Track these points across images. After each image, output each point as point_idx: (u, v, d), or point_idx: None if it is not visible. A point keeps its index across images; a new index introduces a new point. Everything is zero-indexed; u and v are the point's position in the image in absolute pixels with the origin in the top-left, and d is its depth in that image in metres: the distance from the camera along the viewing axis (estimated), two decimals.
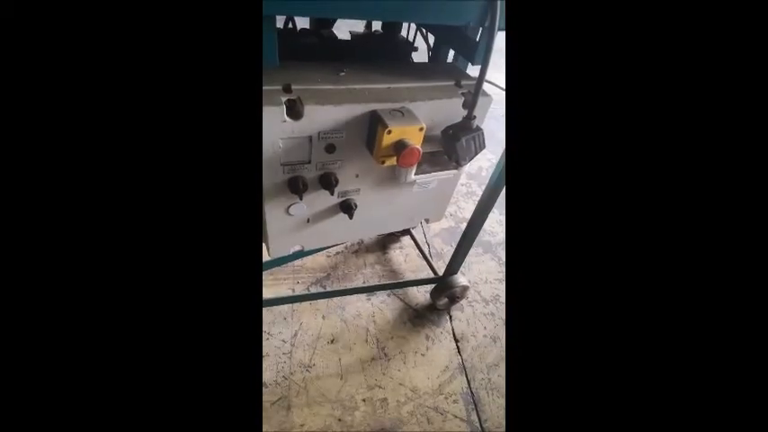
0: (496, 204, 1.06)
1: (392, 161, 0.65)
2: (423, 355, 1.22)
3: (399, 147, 0.63)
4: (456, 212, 1.80)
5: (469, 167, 2.13)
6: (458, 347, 1.26)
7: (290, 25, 0.84)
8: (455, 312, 1.36)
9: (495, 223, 1.78)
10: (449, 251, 1.53)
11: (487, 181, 1.01)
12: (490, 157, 2.20)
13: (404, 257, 1.52)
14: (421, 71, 0.75)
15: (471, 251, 1.58)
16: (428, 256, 1.42)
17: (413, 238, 1.52)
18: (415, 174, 0.73)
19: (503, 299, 1.44)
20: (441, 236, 1.66)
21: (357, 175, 0.74)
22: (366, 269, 1.46)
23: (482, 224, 1.12)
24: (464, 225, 1.16)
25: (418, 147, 0.64)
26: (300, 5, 0.50)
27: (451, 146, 0.66)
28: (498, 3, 0.54)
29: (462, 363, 1.22)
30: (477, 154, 0.68)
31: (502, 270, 1.55)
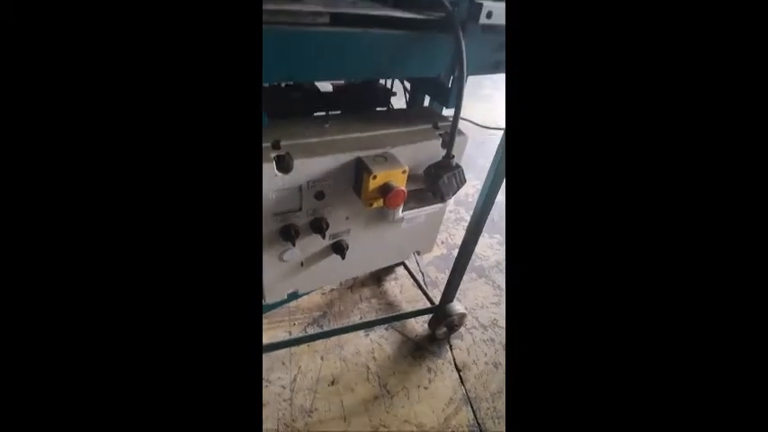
0: (486, 228, 1.10)
1: (379, 203, 0.69)
2: (426, 388, 1.21)
3: (385, 190, 0.66)
4: (447, 239, 1.83)
5: (456, 195, 2.18)
6: (460, 377, 1.25)
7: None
8: (455, 341, 1.36)
9: (486, 247, 1.81)
10: (443, 278, 1.55)
11: (474, 206, 1.05)
12: (475, 182, 2.27)
13: (399, 288, 1.53)
14: (400, 117, 0.80)
15: (465, 277, 1.60)
16: (423, 285, 1.44)
17: (407, 268, 1.54)
18: (403, 211, 0.76)
19: (501, 323, 1.45)
20: (434, 264, 1.68)
21: (347, 218, 0.77)
22: (362, 304, 1.46)
23: (473, 250, 1.15)
24: (456, 252, 1.19)
25: (403, 188, 0.67)
26: (295, 72, 0.54)
27: (435, 184, 0.70)
28: (464, 55, 0.60)
29: (466, 393, 1.21)
30: (459, 189, 0.72)
31: (497, 294, 1.57)
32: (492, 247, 1.82)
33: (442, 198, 0.72)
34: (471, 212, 1.08)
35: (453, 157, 0.69)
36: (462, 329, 1.40)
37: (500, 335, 1.40)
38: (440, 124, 0.78)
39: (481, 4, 0.59)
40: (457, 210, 2.04)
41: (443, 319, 1.28)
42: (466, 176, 0.72)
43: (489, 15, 0.60)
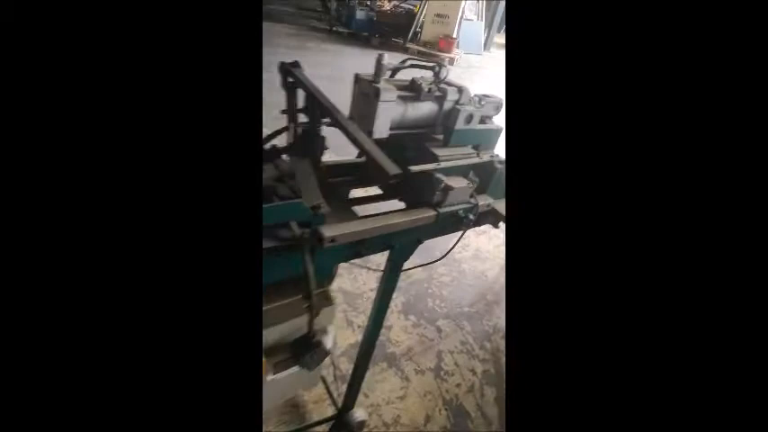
0: (405, 308, 1.14)
1: None
2: None
3: None
4: (364, 323, 1.89)
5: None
6: None
7: None
8: None
9: (401, 331, 1.90)
10: None
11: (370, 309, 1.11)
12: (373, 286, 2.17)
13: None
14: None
15: (375, 368, 1.67)
16: (329, 384, 1.47)
17: None
18: (275, 374, 0.81)
19: (404, 420, 1.51)
20: (348, 354, 1.72)
21: None
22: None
23: (372, 351, 1.21)
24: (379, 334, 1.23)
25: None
26: None
27: (300, 359, 0.76)
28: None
29: None
30: (322, 361, 0.79)
31: (404, 386, 1.64)
32: (407, 331, 1.91)
33: (308, 368, 0.79)
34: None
35: (314, 335, 0.76)
36: (365, 430, 1.44)
37: None
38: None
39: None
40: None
41: (342, 430, 1.32)
42: None
43: None
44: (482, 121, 1.01)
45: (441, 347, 1.84)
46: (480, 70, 7.64)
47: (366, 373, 1.28)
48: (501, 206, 1.00)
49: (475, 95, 0.98)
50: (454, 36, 7.48)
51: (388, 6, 8.24)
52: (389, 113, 0.78)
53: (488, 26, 9.16)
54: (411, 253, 0.94)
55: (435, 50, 7.35)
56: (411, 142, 0.90)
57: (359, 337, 1.80)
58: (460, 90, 0.87)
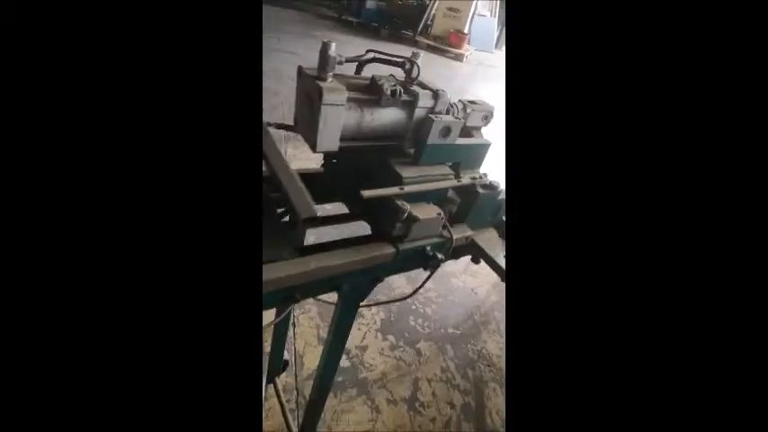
0: (382, 328, 0.99)
1: None
2: None
3: None
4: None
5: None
6: None
7: None
8: None
9: (377, 353, 1.73)
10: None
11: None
12: None
13: (265, 413, 1.39)
14: None
15: (343, 395, 1.51)
16: (288, 413, 1.31)
17: (276, 388, 1.41)
18: None
19: None
20: (313, 377, 1.56)
21: None
22: None
23: (325, 395, 1.05)
24: (351, 356, 1.07)
25: None
26: None
27: None
28: None
29: None
30: None
31: (372, 418, 1.48)
32: (383, 353, 1.74)
33: None
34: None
35: None
36: None
37: None
38: None
39: None
40: None
41: None
42: None
43: None
44: (467, 133, 0.83)
45: (418, 374, 1.68)
46: (490, 69, 7.37)
47: (322, 410, 1.12)
48: (483, 238, 0.82)
49: (459, 101, 0.80)
50: (465, 32, 7.22)
51: None
52: (337, 120, 0.60)
53: (501, 24, 8.86)
54: (368, 292, 0.76)
55: (446, 45, 7.11)
56: (379, 156, 0.72)
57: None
58: (436, 95, 0.69)
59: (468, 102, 0.82)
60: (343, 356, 1.64)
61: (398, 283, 1.99)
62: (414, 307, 1.97)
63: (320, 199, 0.83)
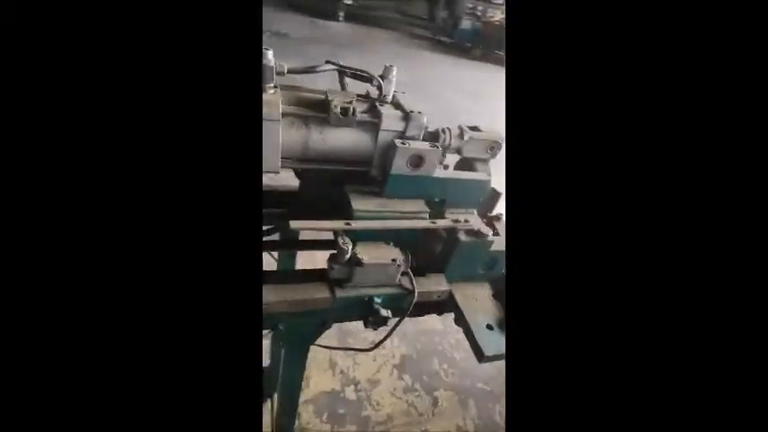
0: (397, 364, 0.89)
1: None
2: None
3: None
4: (350, 368, 1.63)
5: None
6: None
7: None
8: None
9: (387, 392, 1.58)
10: (324, 428, 1.34)
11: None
12: None
13: None
14: None
15: (341, 429, 1.39)
16: None
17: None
18: None
19: None
20: (318, 403, 1.48)
21: None
22: None
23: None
24: (352, 387, 0.99)
25: None
26: None
27: None
28: None
29: None
30: None
31: None
32: (394, 393, 1.58)
33: None
34: None
35: None
36: None
37: None
38: None
39: None
40: None
41: None
42: None
43: None
44: (469, 166, 0.69)
45: (429, 426, 1.48)
46: None
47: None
48: (465, 294, 0.66)
49: (458, 126, 0.66)
50: None
51: (497, 18, 7.76)
52: (275, 137, 0.52)
53: None
54: (316, 336, 0.66)
55: None
56: (340, 185, 0.63)
57: (335, 385, 1.55)
58: (407, 116, 0.57)
59: (470, 128, 0.67)
60: (350, 388, 1.54)
61: (427, 319, 1.83)
62: (440, 348, 1.77)
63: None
